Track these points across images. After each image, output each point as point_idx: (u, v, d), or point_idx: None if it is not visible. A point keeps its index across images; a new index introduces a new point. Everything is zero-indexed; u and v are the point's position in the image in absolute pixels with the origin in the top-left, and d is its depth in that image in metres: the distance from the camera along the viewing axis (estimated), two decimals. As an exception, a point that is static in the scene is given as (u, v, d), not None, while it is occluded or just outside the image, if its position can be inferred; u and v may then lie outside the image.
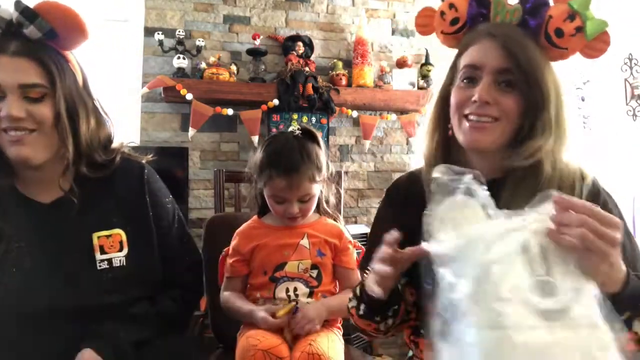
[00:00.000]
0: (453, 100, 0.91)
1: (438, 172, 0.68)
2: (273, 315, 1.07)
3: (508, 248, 0.59)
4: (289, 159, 1.11)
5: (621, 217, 0.84)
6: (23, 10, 0.91)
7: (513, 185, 0.85)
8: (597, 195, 0.88)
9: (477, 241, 0.60)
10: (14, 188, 1.02)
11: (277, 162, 1.12)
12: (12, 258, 0.97)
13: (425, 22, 0.98)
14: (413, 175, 1.02)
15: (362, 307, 0.93)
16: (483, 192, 0.65)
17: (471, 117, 0.86)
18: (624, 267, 0.67)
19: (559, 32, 0.84)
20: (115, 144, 1.11)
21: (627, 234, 0.84)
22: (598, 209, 0.63)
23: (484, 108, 0.85)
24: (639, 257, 0.84)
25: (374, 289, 0.80)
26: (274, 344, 1.02)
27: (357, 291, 0.95)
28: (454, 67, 0.94)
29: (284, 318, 1.06)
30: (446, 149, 0.95)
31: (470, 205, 0.64)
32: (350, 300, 0.97)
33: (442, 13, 0.94)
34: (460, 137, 0.89)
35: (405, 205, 0.97)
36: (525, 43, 0.85)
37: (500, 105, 0.85)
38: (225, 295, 1.21)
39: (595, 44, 0.85)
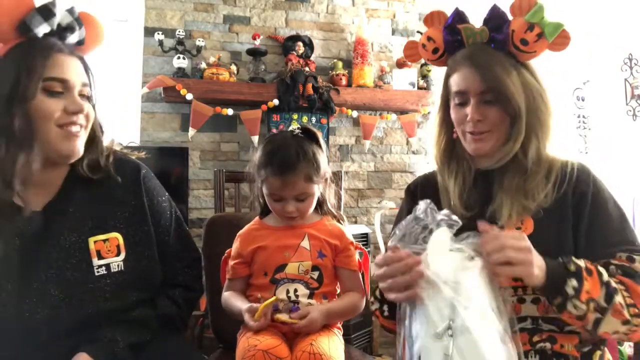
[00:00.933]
0: (453, 119, 1.07)
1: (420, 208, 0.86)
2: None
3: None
4: (285, 158, 1.11)
5: (610, 196, 1.00)
6: (77, 17, 1.00)
7: (501, 178, 1.03)
8: (587, 176, 1.01)
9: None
10: (8, 197, 0.97)
11: (272, 160, 1.11)
12: (5, 272, 0.95)
13: (411, 53, 1.16)
14: (427, 176, 1.19)
15: (386, 308, 1.04)
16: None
17: (471, 133, 1.03)
18: (543, 265, 0.85)
19: (524, 42, 0.99)
20: (105, 143, 1.09)
21: (617, 208, 0.99)
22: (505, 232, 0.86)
23: (477, 125, 1.01)
24: (626, 228, 0.98)
25: (390, 296, 0.86)
26: (273, 344, 1.01)
27: (377, 294, 1.04)
28: (446, 85, 1.08)
29: (261, 320, 1.05)
30: (452, 149, 1.11)
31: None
32: (372, 303, 1.08)
33: (423, 45, 1.10)
34: (466, 146, 1.06)
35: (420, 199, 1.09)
36: (493, 65, 1.00)
37: (489, 119, 1.01)
38: (225, 295, 1.21)
39: (558, 40, 1.00)
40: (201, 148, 2.73)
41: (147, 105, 2.67)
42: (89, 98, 1.01)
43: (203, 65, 2.63)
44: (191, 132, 2.60)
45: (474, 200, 1.04)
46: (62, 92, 0.95)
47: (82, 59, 1.01)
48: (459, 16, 1.04)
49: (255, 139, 2.65)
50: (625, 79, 2.98)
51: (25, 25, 0.92)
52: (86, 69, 1.02)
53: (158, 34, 2.59)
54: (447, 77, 1.07)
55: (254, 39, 2.71)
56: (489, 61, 1.00)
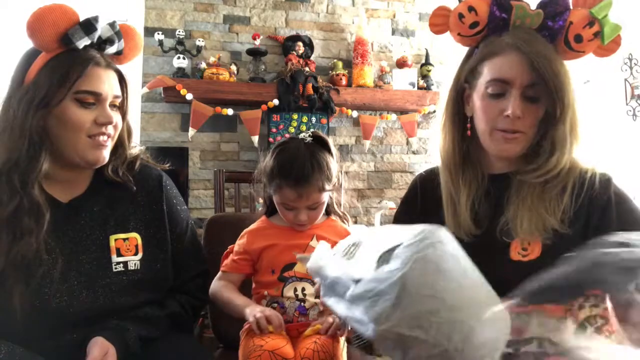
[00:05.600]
0: (482, 113, 0.93)
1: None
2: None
3: None
4: (300, 171, 1.10)
5: (636, 206, 0.90)
6: (118, 31, 1.06)
7: (519, 184, 0.92)
8: (606, 186, 0.91)
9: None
10: (42, 189, 1.03)
11: (287, 172, 1.11)
12: (30, 256, 0.98)
13: (439, 22, 0.97)
14: (432, 171, 1.09)
15: None
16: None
17: (504, 130, 0.90)
18: None
19: (579, 38, 0.87)
20: (136, 150, 1.16)
21: (633, 212, 0.89)
22: None
23: (515, 123, 0.88)
24: None
25: None
26: (280, 345, 1.01)
27: None
28: (472, 70, 0.94)
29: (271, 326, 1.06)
30: (464, 148, 0.98)
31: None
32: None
33: (461, 15, 0.92)
34: (491, 146, 0.93)
35: (421, 197, 1.08)
36: (550, 55, 0.86)
37: (528, 119, 0.89)
38: (218, 284, 1.20)
39: (609, 45, 0.90)
40: (201, 148, 2.73)
41: (147, 105, 2.67)
42: (120, 108, 1.07)
43: (203, 65, 2.63)
44: (191, 132, 2.60)
45: (485, 211, 0.94)
46: (94, 103, 1.01)
47: (117, 71, 1.07)
48: None
49: (255, 139, 2.65)
50: (625, 79, 2.98)
51: (67, 37, 0.97)
52: (121, 80, 1.07)
53: (158, 34, 2.59)
54: (481, 61, 0.92)
55: (254, 39, 2.71)
56: (544, 49, 0.86)
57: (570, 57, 0.91)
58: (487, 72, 0.91)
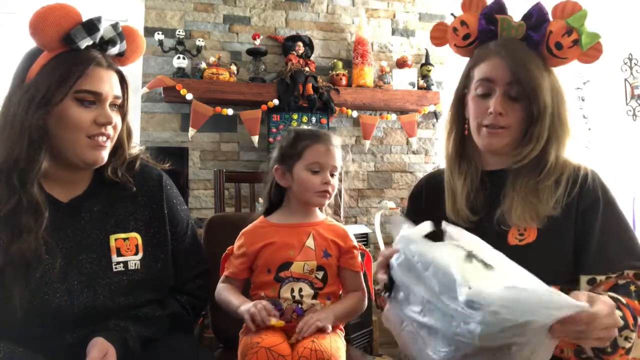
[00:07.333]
0: (472, 111, 1.05)
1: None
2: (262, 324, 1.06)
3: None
4: (323, 132, 1.20)
5: (619, 207, 0.98)
6: (120, 32, 1.06)
7: (513, 180, 1.01)
8: (597, 184, 0.98)
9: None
10: (42, 188, 1.04)
11: (312, 133, 1.19)
12: (30, 255, 0.98)
13: (439, 35, 1.11)
14: (434, 175, 1.19)
15: None
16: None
17: (488, 126, 1.01)
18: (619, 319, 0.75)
19: (559, 45, 0.98)
20: (135, 150, 1.17)
21: (625, 219, 0.97)
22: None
23: (497, 119, 0.99)
24: (635, 241, 0.95)
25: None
26: (276, 342, 1.02)
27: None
28: (467, 76, 1.07)
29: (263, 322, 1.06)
30: (462, 146, 1.10)
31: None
32: (380, 291, 1.05)
33: (455, 29, 1.07)
34: (478, 141, 1.04)
35: (426, 195, 1.17)
36: (527, 60, 0.98)
37: (510, 116, 0.99)
38: (220, 286, 1.21)
39: (590, 52, 1.00)
40: (201, 148, 2.73)
41: (147, 105, 2.67)
42: (120, 109, 1.07)
43: (203, 65, 2.63)
44: (191, 132, 2.60)
45: (481, 202, 1.03)
46: (94, 103, 1.01)
47: (118, 72, 1.07)
48: (499, 6, 1.02)
49: (255, 139, 2.65)
50: (625, 79, 2.99)
51: (69, 37, 0.98)
52: (121, 81, 1.07)
53: (158, 34, 2.59)
54: (471, 67, 1.05)
55: (254, 39, 2.71)
56: (523, 55, 0.98)
57: (555, 64, 1.02)
58: (476, 75, 1.03)
